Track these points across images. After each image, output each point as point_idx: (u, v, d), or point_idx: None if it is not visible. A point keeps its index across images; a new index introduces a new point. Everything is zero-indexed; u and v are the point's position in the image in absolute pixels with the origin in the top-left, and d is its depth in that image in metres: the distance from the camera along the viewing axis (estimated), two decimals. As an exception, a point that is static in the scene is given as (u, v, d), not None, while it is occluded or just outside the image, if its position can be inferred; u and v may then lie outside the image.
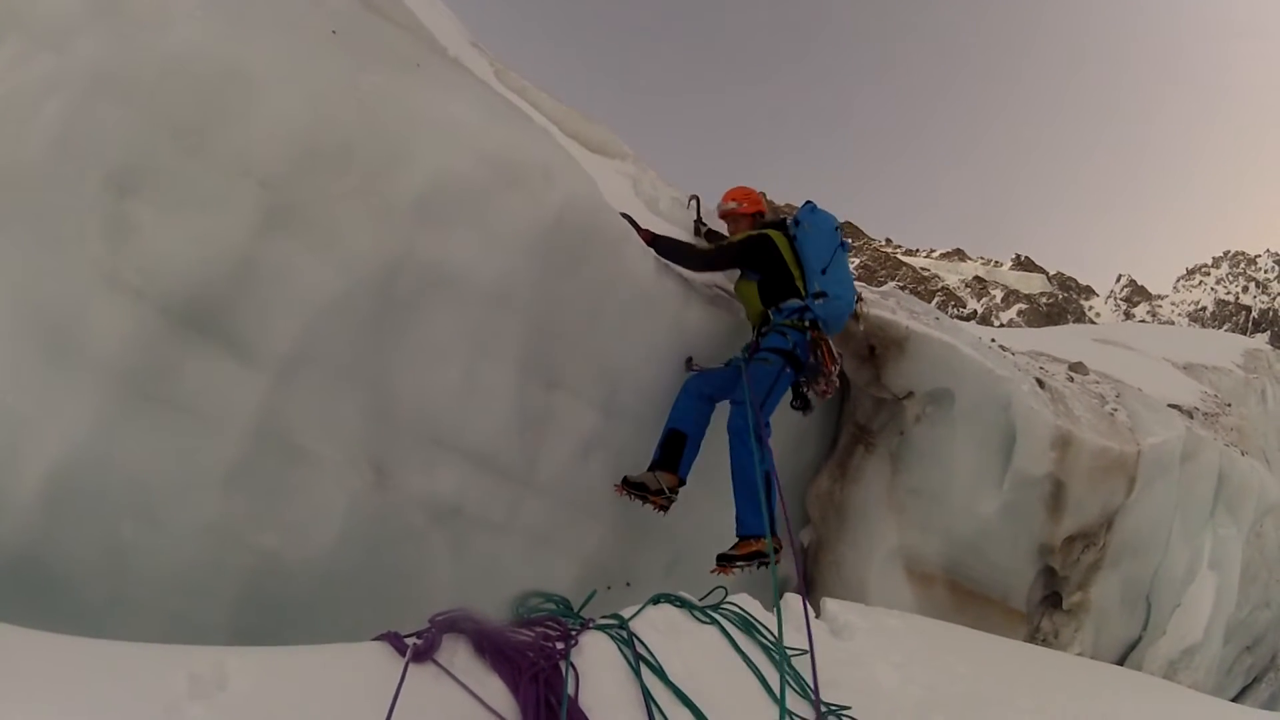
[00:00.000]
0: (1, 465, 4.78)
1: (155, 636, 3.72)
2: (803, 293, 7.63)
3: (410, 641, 3.53)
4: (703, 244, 8.50)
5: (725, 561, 6.88)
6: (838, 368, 7.55)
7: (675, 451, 7.15)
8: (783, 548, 7.08)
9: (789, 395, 7.73)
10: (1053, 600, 10.09)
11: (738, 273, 8.08)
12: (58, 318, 4.94)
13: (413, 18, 8.02)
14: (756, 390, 7.14)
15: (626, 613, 4.77)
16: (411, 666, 3.37)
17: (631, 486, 6.99)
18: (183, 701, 2.93)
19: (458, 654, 3.63)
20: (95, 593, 4.94)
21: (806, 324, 7.45)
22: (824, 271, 7.70)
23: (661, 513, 7.09)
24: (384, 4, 7.16)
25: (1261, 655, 14.26)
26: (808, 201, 8.34)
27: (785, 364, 7.34)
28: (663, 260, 7.54)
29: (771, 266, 7.75)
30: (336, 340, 5.46)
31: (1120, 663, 10.66)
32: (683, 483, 7.13)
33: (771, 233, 7.93)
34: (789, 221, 8.15)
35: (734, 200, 8.74)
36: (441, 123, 5.99)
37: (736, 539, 7.05)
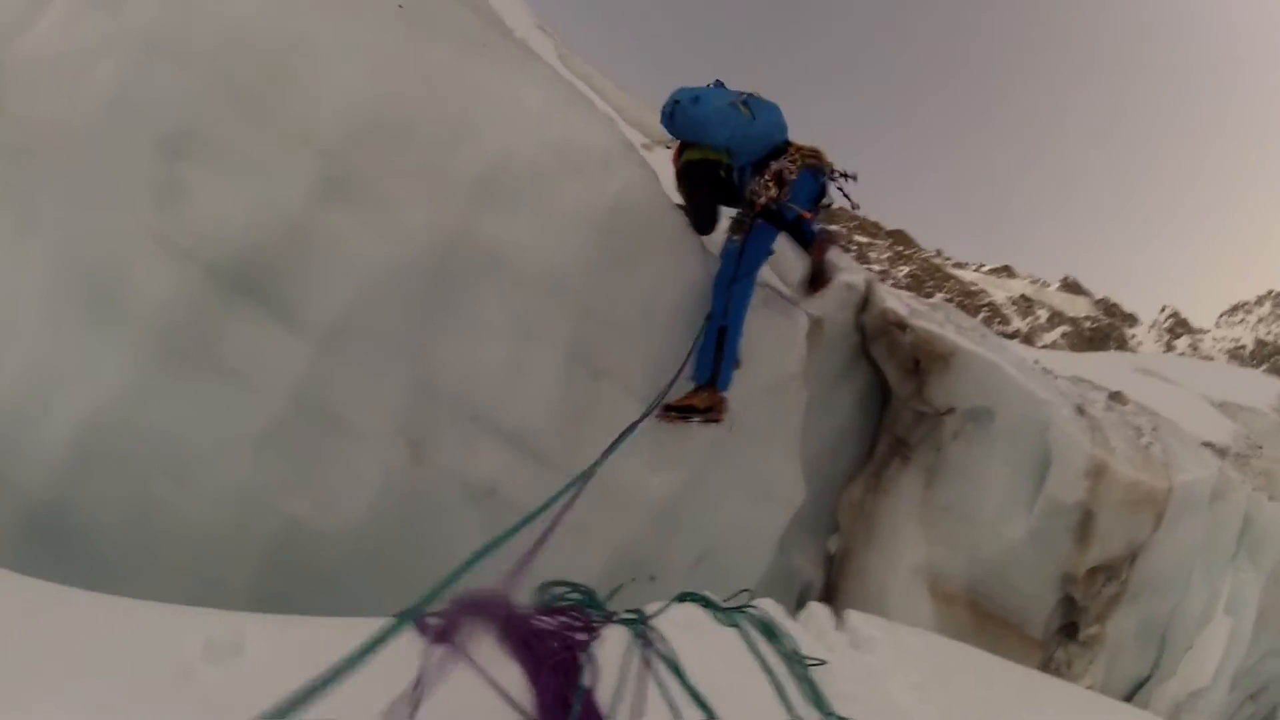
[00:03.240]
0: (33, 417, 4.86)
1: (176, 596, 3.73)
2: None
3: (432, 621, 3.53)
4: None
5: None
6: (774, 179, 7.38)
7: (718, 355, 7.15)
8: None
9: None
10: (1069, 630, 10.05)
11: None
12: (102, 275, 4.99)
13: (480, -2, 8.02)
14: (730, 246, 7.32)
15: (650, 609, 4.76)
16: (431, 647, 3.37)
17: (678, 410, 6.99)
18: (198, 664, 2.93)
19: (477, 637, 3.62)
20: (118, 549, 4.99)
21: (750, 182, 7.45)
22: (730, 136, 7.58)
23: (716, 424, 7.15)
24: (451, -18, 7.16)
25: (1263, 705, 14.17)
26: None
27: (753, 215, 7.38)
28: (716, 255, 7.49)
29: (715, 178, 7.76)
30: (384, 313, 5.47)
31: (1127, 700, 10.63)
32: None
33: (687, 154, 7.95)
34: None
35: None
36: (506, 103, 6.01)
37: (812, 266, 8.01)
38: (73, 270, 4.98)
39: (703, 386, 7.00)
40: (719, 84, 8.06)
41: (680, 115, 7.77)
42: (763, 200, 7.28)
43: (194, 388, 5.06)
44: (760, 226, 7.41)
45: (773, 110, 7.76)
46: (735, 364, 7.25)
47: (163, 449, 4.99)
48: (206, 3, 5.37)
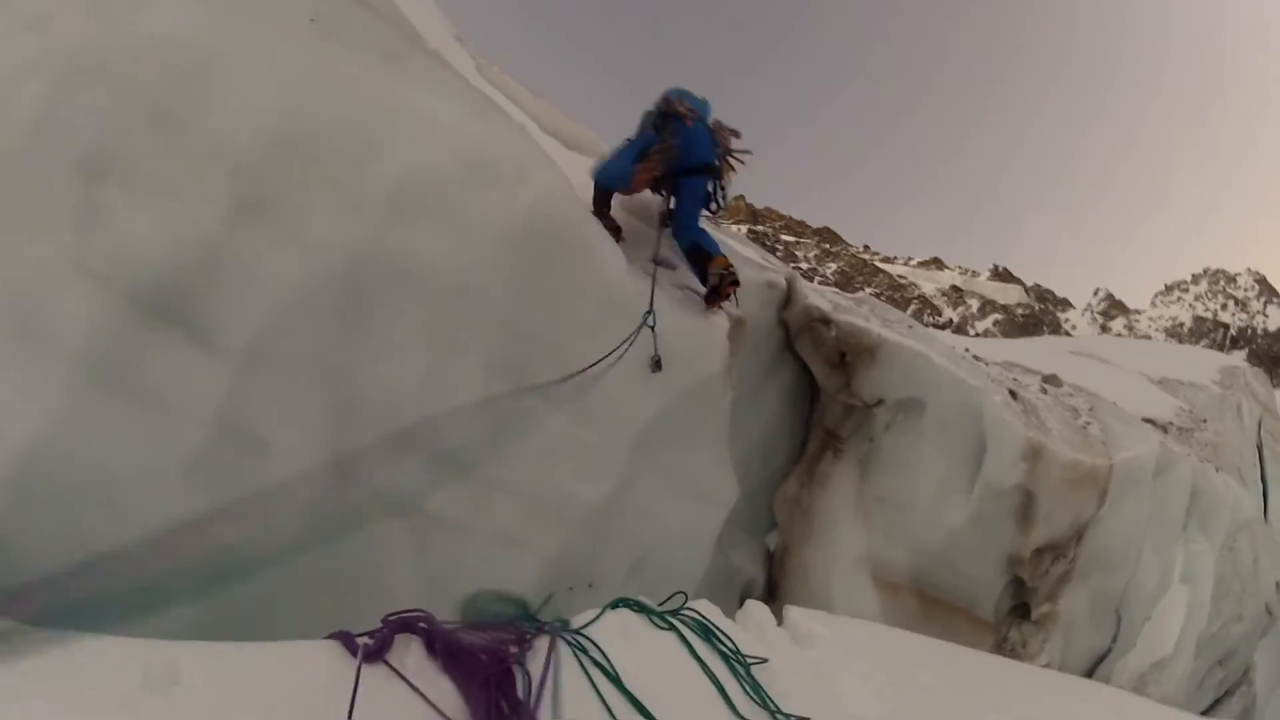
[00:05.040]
0: (-34, 449, 4.73)
1: (115, 627, 3.70)
2: None
3: (362, 641, 3.51)
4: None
5: (714, 295, 8.16)
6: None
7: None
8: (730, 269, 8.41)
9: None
10: (1021, 611, 10.12)
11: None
12: (25, 303, 4.90)
13: (395, 8, 8.00)
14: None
15: (584, 617, 4.73)
16: (364, 667, 3.35)
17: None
18: (138, 695, 2.91)
19: (409, 655, 3.61)
20: (56, 581, 4.85)
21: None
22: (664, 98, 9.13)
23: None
24: (366, -6, 7.13)
25: (1234, 669, 14.31)
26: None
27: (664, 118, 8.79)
28: (634, 263, 7.71)
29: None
30: (301, 333, 5.40)
31: (1088, 675, 10.71)
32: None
33: None
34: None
35: None
36: (416, 117, 5.97)
37: (707, 282, 8.47)
38: None
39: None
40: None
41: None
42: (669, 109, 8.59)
43: (119, 416, 4.96)
44: (683, 180, 8.55)
45: (704, 105, 9.21)
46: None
47: (93, 479, 4.90)
48: (122, 19, 5.33)
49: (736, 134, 8.96)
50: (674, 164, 8.47)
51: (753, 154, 8.96)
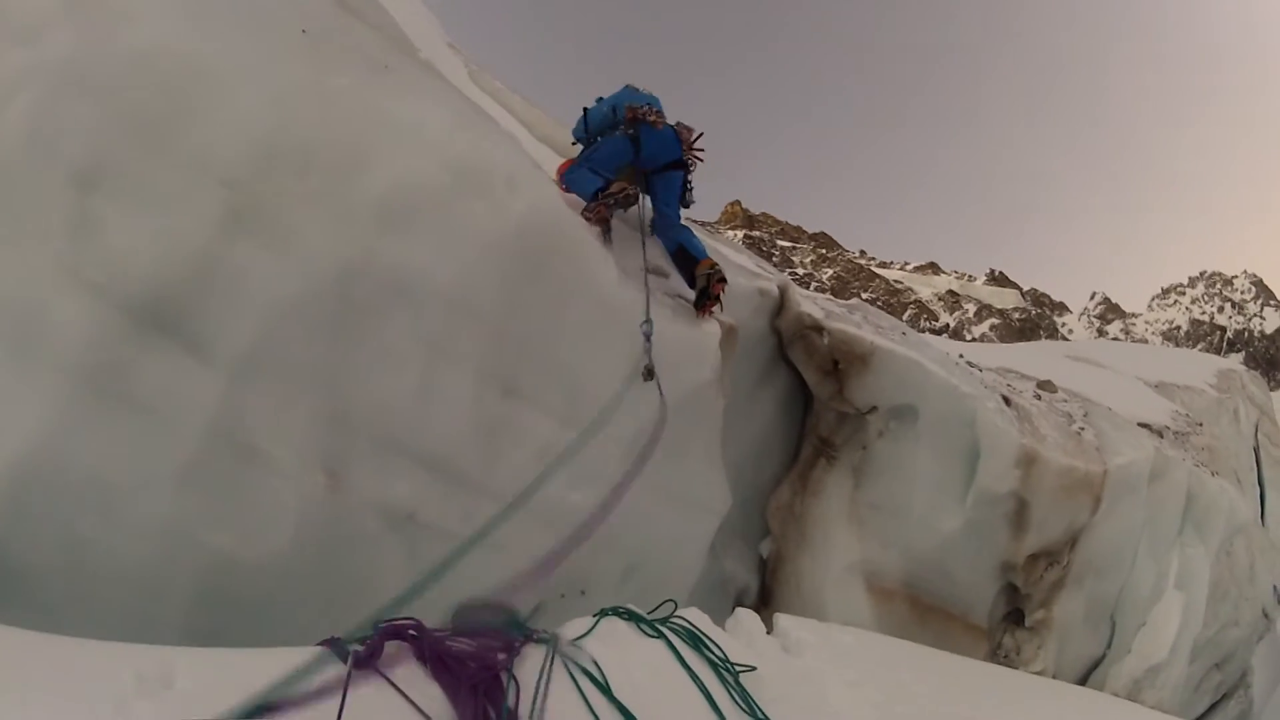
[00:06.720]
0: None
1: (111, 632, 3.72)
2: None
3: (352, 648, 3.52)
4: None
5: (704, 297, 8.28)
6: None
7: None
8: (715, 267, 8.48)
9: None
10: (1015, 617, 10.11)
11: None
12: (19, 313, 4.92)
13: (388, 18, 8.01)
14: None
15: (573, 625, 4.75)
16: (354, 673, 3.36)
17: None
18: (130, 699, 2.93)
19: (399, 662, 3.61)
20: (52, 587, 4.91)
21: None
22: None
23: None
24: (359, 3, 7.14)
25: (1231, 673, 14.30)
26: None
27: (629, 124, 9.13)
28: (625, 272, 7.70)
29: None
30: (294, 342, 5.42)
31: (1083, 681, 10.67)
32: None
33: None
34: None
35: None
36: (405, 127, 6.02)
37: (695, 285, 8.48)
38: (-7, 307, 4.93)
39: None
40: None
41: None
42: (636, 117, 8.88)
43: (113, 424, 4.98)
44: (657, 178, 8.95)
45: (656, 101, 9.57)
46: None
47: (87, 487, 4.92)
48: (113, 28, 5.37)
49: (690, 129, 9.26)
50: (630, 201, 8.52)
51: (705, 144, 9.32)
